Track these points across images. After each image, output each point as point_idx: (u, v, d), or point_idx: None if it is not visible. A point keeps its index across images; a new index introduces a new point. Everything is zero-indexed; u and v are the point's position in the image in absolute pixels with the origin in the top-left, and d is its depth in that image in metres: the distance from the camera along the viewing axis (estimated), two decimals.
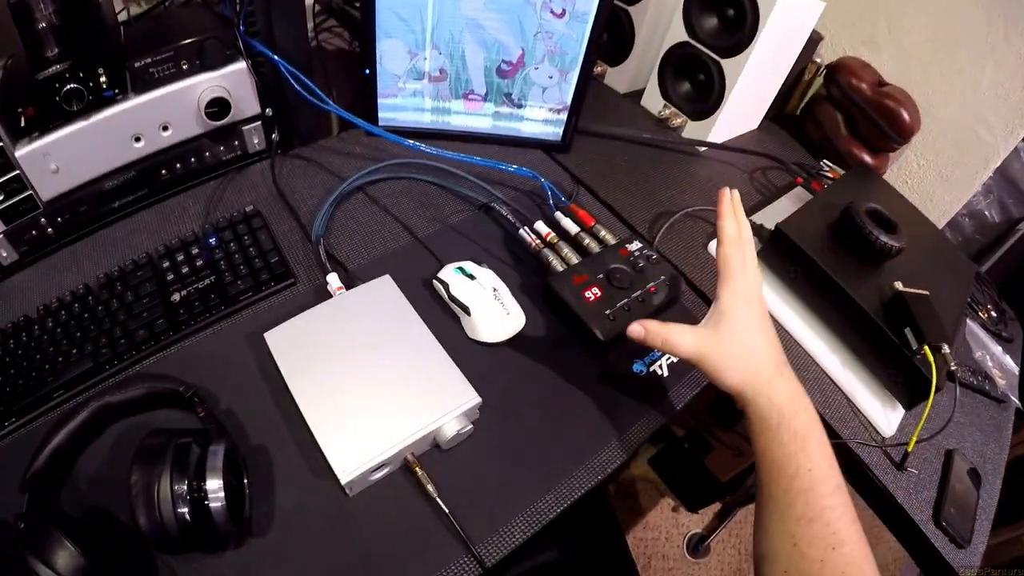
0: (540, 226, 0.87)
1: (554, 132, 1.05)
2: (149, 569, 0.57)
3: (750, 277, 0.65)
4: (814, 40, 1.20)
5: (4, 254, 0.84)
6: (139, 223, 0.90)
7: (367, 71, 0.96)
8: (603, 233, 0.86)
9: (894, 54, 1.23)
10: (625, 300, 0.76)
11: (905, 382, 0.80)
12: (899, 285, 0.81)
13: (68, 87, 0.79)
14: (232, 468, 0.57)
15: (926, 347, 0.75)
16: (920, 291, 0.81)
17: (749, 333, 0.64)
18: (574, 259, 0.82)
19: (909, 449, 0.78)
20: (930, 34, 1.17)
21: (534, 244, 0.84)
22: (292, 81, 0.88)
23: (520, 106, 1.01)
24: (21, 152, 0.79)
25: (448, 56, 0.95)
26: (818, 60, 1.28)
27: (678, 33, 1.11)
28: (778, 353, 0.64)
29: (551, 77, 0.97)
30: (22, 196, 0.82)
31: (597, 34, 0.92)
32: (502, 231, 0.90)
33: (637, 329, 0.65)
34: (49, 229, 0.87)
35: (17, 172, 0.80)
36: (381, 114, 1.01)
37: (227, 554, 0.58)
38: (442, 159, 0.93)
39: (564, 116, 1.02)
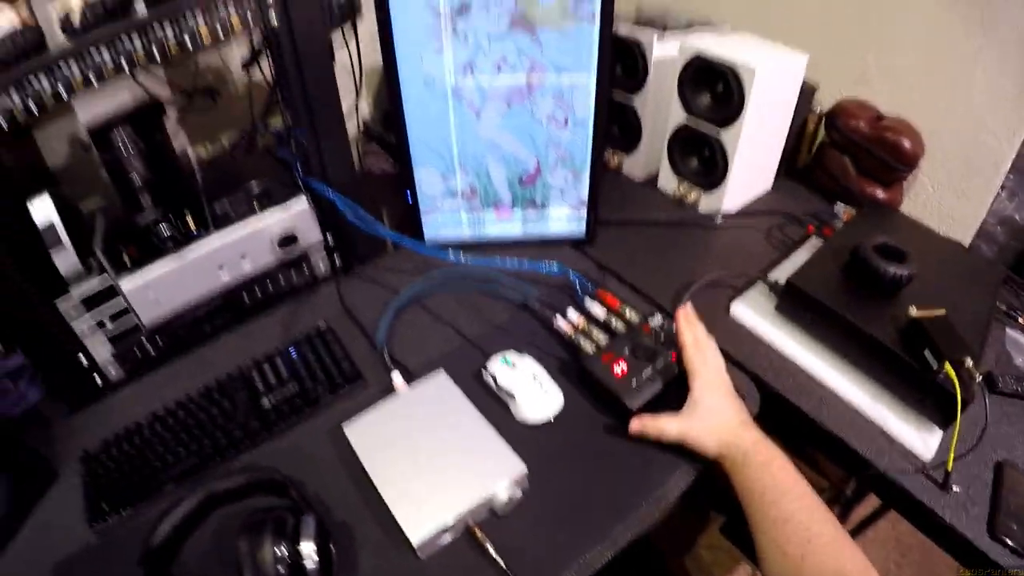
0: (572, 314, 1.01)
1: (578, 228, 1.21)
2: None
3: (711, 369, 0.86)
4: (809, 91, 1.31)
5: (113, 372, 1.05)
6: (227, 343, 1.10)
7: (409, 195, 1.16)
8: (628, 313, 1.00)
9: (887, 86, 1.32)
10: (649, 370, 0.89)
11: (934, 403, 0.85)
12: (913, 310, 0.87)
13: (162, 230, 1.01)
14: (321, 536, 0.70)
15: (947, 364, 0.80)
16: (936, 311, 0.87)
17: (717, 411, 0.83)
18: (603, 340, 0.95)
19: (948, 468, 0.82)
20: (915, 58, 1.26)
21: (567, 332, 0.98)
22: (347, 213, 1.07)
23: (544, 208, 1.18)
24: (126, 286, 0.99)
25: (475, 175, 1.14)
26: (817, 109, 1.38)
27: (678, 114, 1.26)
28: (741, 416, 0.83)
29: (566, 179, 1.14)
30: (128, 322, 1.03)
31: (599, 135, 1.09)
32: (539, 323, 1.05)
33: (636, 426, 0.85)
34: (152, 351, 1.07)
35: (124, 303, 1.01)
36: (426, 231, 1.20)
37: None
38: (481, 267, 1.10)
39: (584, 212, 1.18)
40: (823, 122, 1.38)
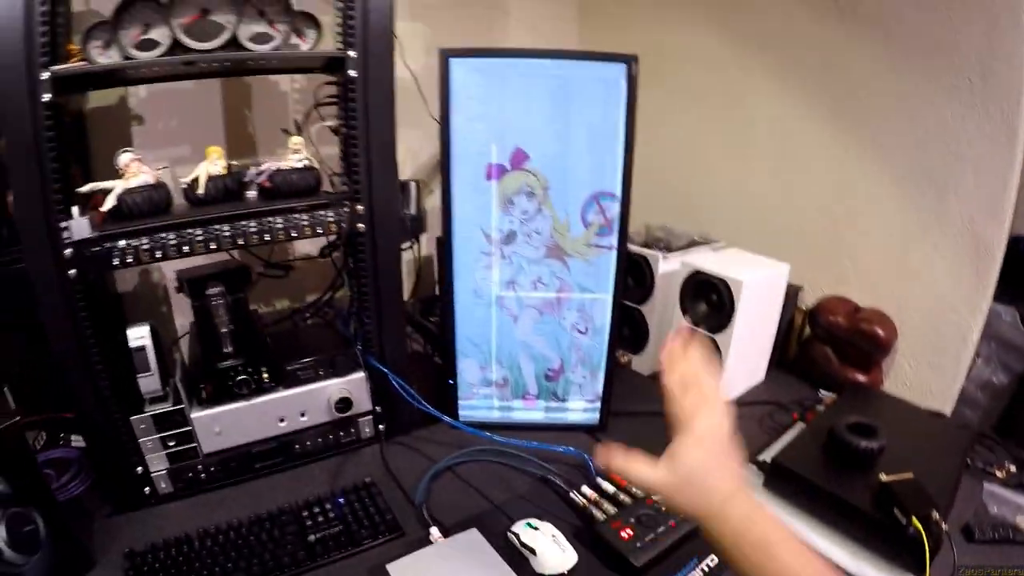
0: (586, 490, 1.21)
1: (592, 417, 1.44)
2: None
3: (701, 418, 0.79)
4: (794, 292, 1.58)
5: (163, 486, 1.24)
6: (276, 482, 1.31)
7: (452, 381, 1.41)
8: (634, 489, 1.20)
9: (861, 281, 1.58)
10: (652, 534, 1.08)
11: (907, 554, 0.98)
12: (883, 476, 1.04)
13: (241, 377, 1.24)
14: None
15: (914, 519, 0.95)
16: (904, 475, 1.04)
17: (697, 474, 0.75)
18: (612, 511, 1.15)
19: None
20: (883, 255, 1.53)
21: (581, 503, 1.18)
22: (400, 390, 1.32)
23: (564, 400, 1.43)
24: (196, 415, 1.22)
25: (508, 369, 1.40)
26: (803, 307, 1.64)
27: (679, 320, 1.53)
28: (730, 484, 0.74)
29: (584, 377, 1.40)
30: (189, 446, 1.24)
31: (613, 342, 1.36)
32: (557, 495, 1.24)
33: (602, 453, 0.81)
34: (203, 474, 1.27)
35: (190, 429, 1.22)
36: (461, 412, 1.44)
37: None
38: (509, 445, 1.32)
39: (598, 404, 1.43)
40: (807, 318, 1.64)
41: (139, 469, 1.23)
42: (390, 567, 1.04)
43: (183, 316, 1.63)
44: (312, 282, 1.74)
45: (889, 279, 1.55)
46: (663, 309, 1.60)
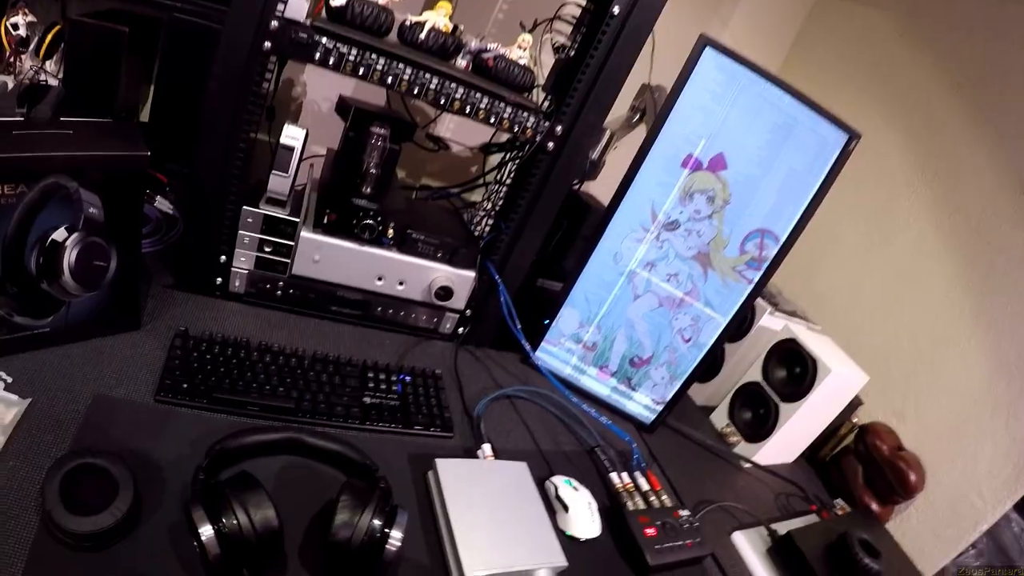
0: (624, 476, 1.26)
1: (648, 416, 1.50)
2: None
3: None
4: (854, 404, 1.63)
5: (237, 284, 1.26)
6: (344, 331, 1.35)
7: (547, 321, 1.45)
8: (664, 497, 1.24)
9: (915, 425, 1.63)
10: (671, 544, 1.13)
11: None
12: None
13: (368, 221, 1.25)
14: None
15: None
16: None
17: None
18: (642, 506, 1.21)
19: None
20: (946, 414, 1.58)
21: (618, 486, 1.24)
22: (504, 305, 1.35)
23: (634, 390, 1.48)
24: (306, 235, 1.24)
25: (603, 337, 1.44)
26: (855, 420, 1.70)
27: (755, 374, 1.58)
28: None
29: (663, 378, 1.44)
30: (281, 259, 1.26)
31: (705, 362, 1.41)
32: (596, 469, 1.29)
33: None
34: (279, 292, 1.29)
35: (293, 243, 1.24)
36: (539, 353, 1.48)
37: None
38: (572, 403, 1.36)
39: (660, 408, 1.48)
40: (854, 432, 1.70)
41: (223, 258, 1.24)
42: (439, 462, 1.07)
43: (312, 139, 1.64)
44: (450, 169, 1.75)
45: (939, 438, 1.60)
46: (745, 356, 1.64)
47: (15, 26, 1.37)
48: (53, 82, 1.41)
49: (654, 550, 1.12)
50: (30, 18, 1.39)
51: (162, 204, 1.46)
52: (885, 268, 1.81)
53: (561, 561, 1.00)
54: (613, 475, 1.27)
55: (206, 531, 0.75)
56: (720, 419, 1.66)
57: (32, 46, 1.42)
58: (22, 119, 0.94)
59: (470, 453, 1.18)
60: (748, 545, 1.29)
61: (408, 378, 1.26)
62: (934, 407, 1.63)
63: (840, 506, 1.55)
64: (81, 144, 0.89)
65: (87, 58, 1.29)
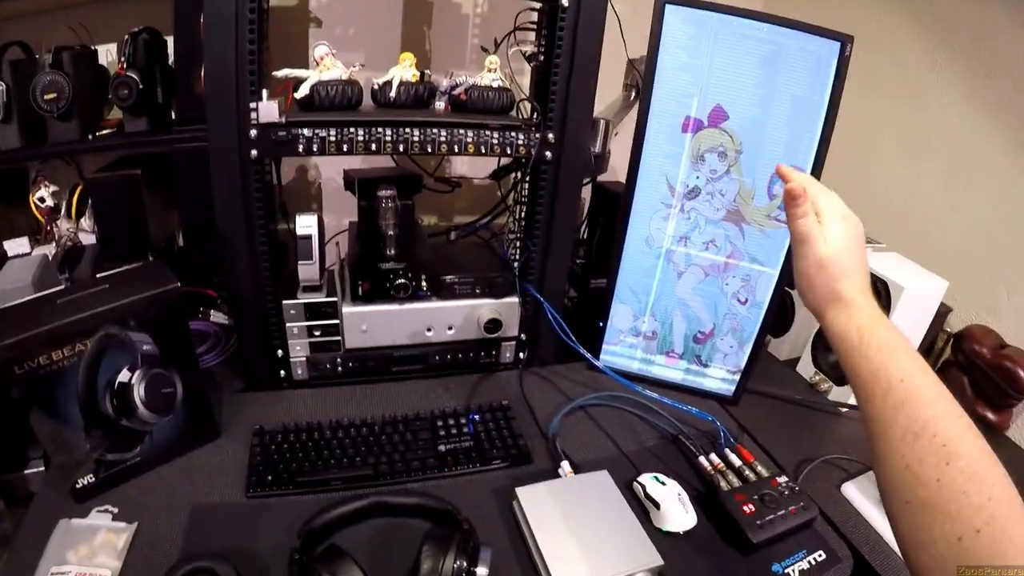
0: (713, 457, 1.23)
1: (728, 388, 1.46)
2: None
3: (844, 210, 0.80)
4: (943, 313, 1.53)
5: (300, 372, 1.33)
6: (409, 388, 1.38)
7: (601, 323, 1.44)
8: (759, 468, 1.21)
9: (1013, 318, 1.51)
10: (772, 515, 1.09)
11: None
12: None
13: (400, 280, 1.29)
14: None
15: None
16: None
17: (843, 251, 0.77)
18: (737, 483, 1.17)
19: None
20: None
21: (708, 469, 1.21)
22: (552, 321, 1.35)
23: (706, 366, 1.45)
24: (348, 310, 1.30)
25: (661, 323, 1.42)
26: (948, 329, 1.59)
27: None
28: (864, 277, 0.76)
29: (732, 347, 1.40)
30: (333, 338, 1.32)
31: (770, 317, 1.36)
32: (684, 456, 1.27)
33: (789, 171, 0.82)
34: (340, 368, 1.35)
35: (338, 321, 1.30)
36: (603, 356, 1.48)
37: None
38: (645, 397, 1.34)
39: (738, 377, 1.44)
40: (950, 342, 1.59)
41: (280, 352, 1.32)
42: (519, 491, 1.08)
43: (333, 215, 1.73)
44: (471, 203, 1.78)
45: None
46: None
47: (42, 200, 1.48)
48: (90, 238, 1.51)
49: (755, 526, 1.08)
50: (52, 188, 1.50)
51: (217, 317, 1.55)
52: (935, 163, 1.69)
53: (655, 560, 0.99)
54: (701, 459, 1.24)
55: None
56: (806, 369, 1.59)
57: (63, 211, 1.53)
58: (65, 285, 1.10)
59: (551, 474, 1.18)
60: (860, 494, 1.23)
61: (477, 416, 1.28)
62: None
63: None
64: (118, 294, 0.99)
65: (112, 208, 1.42)
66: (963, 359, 1.53)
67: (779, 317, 1.64)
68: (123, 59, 1.41)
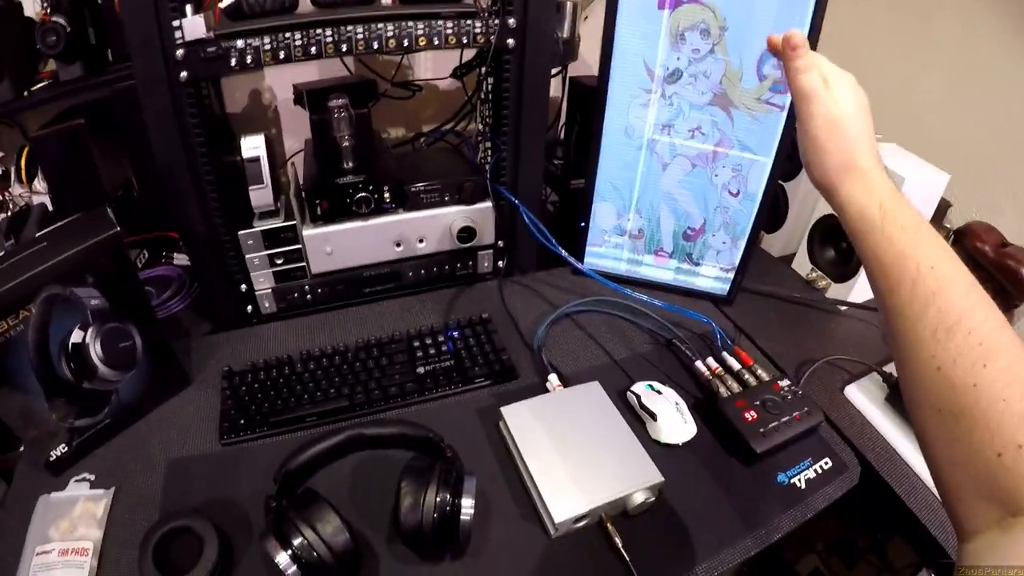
0: (710, 361, 1.16)
1: (722, 288, 1.37)
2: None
3: (848, 75, 0.68)
4: (943, 208, 1.44)
5: (267, 305, 1.25)
6: (384, 309, 1.30)
7: (583, 223, 1.34)
8: (759, 371, 1.14)
9: (1017, 216, 1.44)
10: (776, 423, 1.03)
11: None
12: None
13: (361, 194, 1.19)
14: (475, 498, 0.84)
15: None
16: None
17: (852, 114, 0.65)
18: (736, 389, 1.10)
19: None
20: None
21: (706, 374, 1.14)
22: (530, 224, 1.25)
23: (698, 264, 1.36)
24: (308, 232, 1.20)
25: (647, 220, 1.32)
26: (948, 225, 1.50)
27: (825, 207, 1.41)
28: (877, 152, 0.65)
29: (724, 243, 1.31)
30: (297, 264, 1.23)
31: (764, 210, 1.26)
32: (679, 362, 1.20)
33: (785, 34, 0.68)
34: (309, 296, 1.27)
35: (300, 246, 1.21)
36: (587, 259, 1.38)
37: (443, 564, 0.84)
38: (634, 300, 1.26)
39: (732, 275, 1.35)
40: (950, 239, 1.50)
41: (243, 287, 1.23)
42: (504, 410, 1.02)
43: (294, 137, 1.61)
44: (436, 110, 1.65)
45: None
46: (809, 189, 1.45)
47: None
48: (46, 199, 1.41)
49: (758, 435, 1.02)
50: None
51: (180, 259, 1.46)
52: (935, 52, 1.56)
53: (655, 477, 0.93)
54: (698, 363, 1.17)
55: (282, 560, 0.75)
56: (803, 266, 1.51)
57: (12, 176, 1.44)
58: (4, 251, 0.96)
59: (539, 389, 1.11)
60: (864, 397, 1.16)
61: (456, 332, 1.20)
62: None
63: None
64: (57, 251, 0.90)
65: (60, 164, 1.32)
66: (964, 256, 1.42)
67: (771, 210, 1.55)
68: (45, 5, 1.27)
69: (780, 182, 1.51)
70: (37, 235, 0.96)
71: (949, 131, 1.54)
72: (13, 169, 1.44)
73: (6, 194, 1.46)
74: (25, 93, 1.32)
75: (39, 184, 1.45)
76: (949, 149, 1.45)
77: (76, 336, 0.92)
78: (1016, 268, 1.36)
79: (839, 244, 1.43)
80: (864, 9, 1.67)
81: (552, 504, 0.88)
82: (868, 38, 1.68)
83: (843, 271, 1.41)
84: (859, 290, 1.40)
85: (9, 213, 1.43)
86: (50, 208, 1.35)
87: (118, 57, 1.34)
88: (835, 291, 1.44)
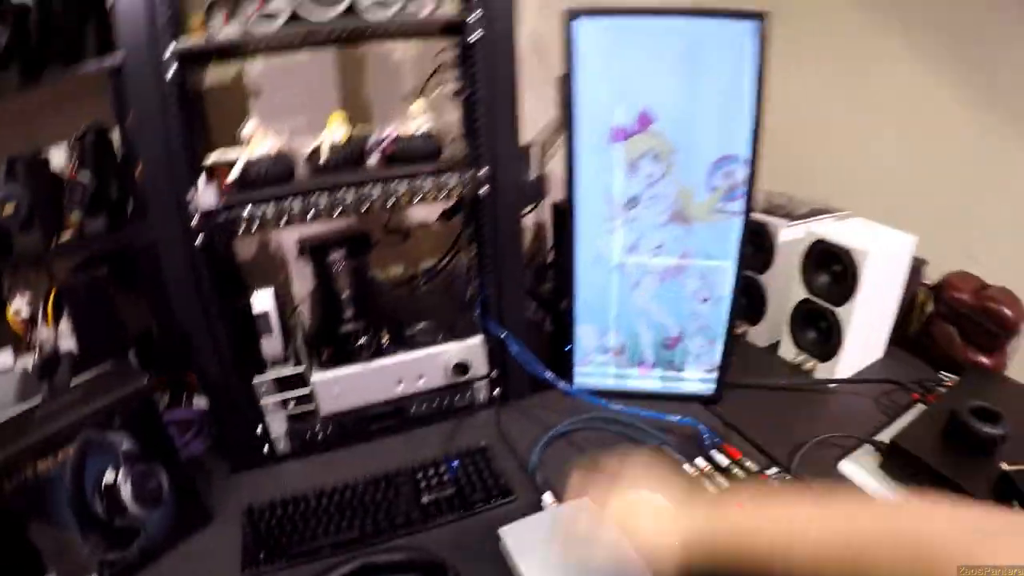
0: (699, 461, 1.21)
1: (708, 388, 1.44)
2: None
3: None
4: (918, 266, 1.50)
5: (282, 446, 1.33)
6: (389, 444, 1.37)
7: (568, 347, 1.43)
8: (748, 463, 1.19)
9: (992, 259, 1.47)
10: None
11: None
12: (1004, 466, 1.02)
13: (361, 340, 1.30)
14: None
15: None
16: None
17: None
18: (725, 484, 1.15)
19: None
20: (1018, 231, 1.43)
21: (694, 475, 1.19)
22: (518, 354, 1.34)
23: (681, 370, 1.43)
24: (316, 378, 1.29)
25: (626, 336, 1.41)
26: (927, 282, 1.55)
27: (799, 291, 1.48)
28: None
29: (703, 346, 1.39)
30: (308, 408, 1.31)
31: (733, 311, 1.34)
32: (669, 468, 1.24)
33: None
34: (320, 435, 1.34)
35: (310, 390, 1.30)
36: (576, 379, 1.46)
37: None
38: (622, 413, 1.32)
39: (715, 375, 1.42)
40: (931, 294, 1.55)
41: (259, 429, 1.31)
42: (502, 531, 1.07)
43: (302, 282, 1.73)
44: (430, 248, 1.79)
45: (1020, 259, 1.45)
46: (783, 279, 1.55)
47: (18, 312, 1.48)
48: (71, 340, 1.50)
49: None
50: (27, 297, 1.49)
51: (200, 402, 1.52)
52: (883, 117, 1.66)
53: None
54: (685, 466, 1.22)
55: None
56: (788, 351, 1.57)
57: (39, 319, 1.52)
58: (43, 397, 1.16)
59: (536, 508, 1.16)
60: (858, 469, 1.20)
61: (456, 463, 1.27)
62: (1001, 229, 1.47)
63: (948, 380, 1.42)
64: (90, 400, 1.03)
65: (85, 310, 1.41)
66: (945, 309, 1.50)
67: (752, 301, 1.63)
68: (73, 162, 1.41)
69: (754, 275, 1.60)
70: (72, 385, 1.11)
71: (912, 192, 1.61)
72: (40, 312, 1.55)
73: (34, 336, 1.55)
74: (54, 244, 1.41)
75: (64, 326, 1.55)
76: (915, 209, 1.52)
77: (108, 477, 1.02)
78: (997, 308, 1.39)
79: (818, 324, 1.49)
80: (817, 95, 1.79)
81: None
82: (824, 121, 1.80)
83: (827, 349, 1.46)
84: (844, 364, 1.45)
85: (36, 355, 1.51)
86: (75, 351, 1.45)
87: (139, 211, 1.43)
88: (823, 370, 1.49)
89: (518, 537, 1.06)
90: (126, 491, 1.04)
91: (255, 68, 1.57)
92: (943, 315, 1.51)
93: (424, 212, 1.71)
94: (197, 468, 1.32)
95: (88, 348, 1.46)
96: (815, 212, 1.59)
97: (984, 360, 1.46)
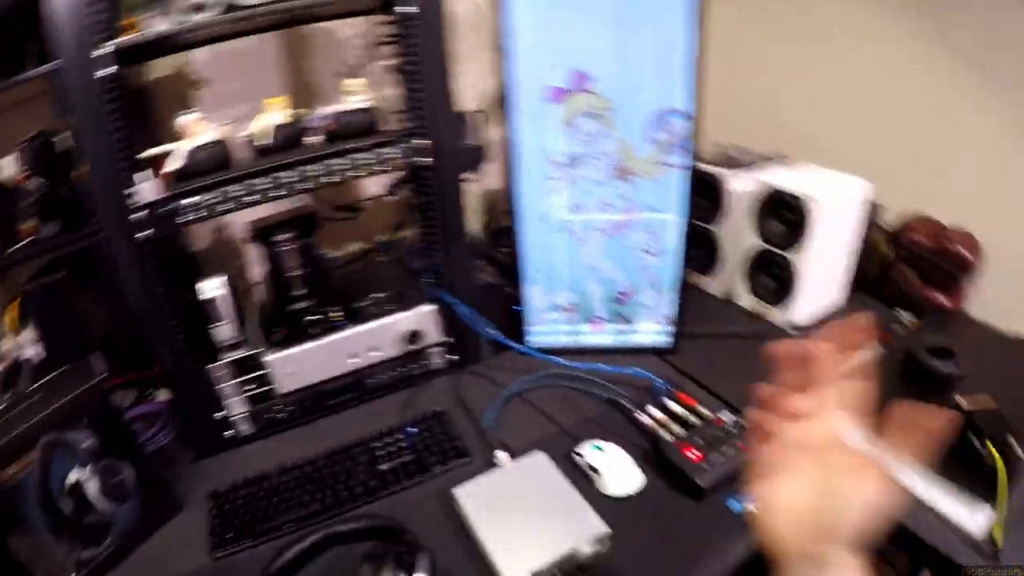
0: (653, 411, 1.23)
1: (664, 339, 1.45)
2: None
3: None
4: (874, 210, 1.51)
5: (245, 428, 1.33)
6: (349, 417, 1.38)
7: (517, 308, 1.44)
8: (701, 410, 1.21)
9: (949, 201, 1.47)
10: (720, 457, 1.09)
11: (983, 483, 0.96)
12: (961, 402, 1.04)
13: (311, 317, 1.31)
14: (432, 571, 0.89)
15: (991, 447, 0.96)
16: (983, 402, 1.03)
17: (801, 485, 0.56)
18: (681, 432, 1.16)
19: (995, 536, 0.91)
20: (975, 174, 1.43)
21: (649, 424, 1.21)
22: (467, 320, 1.36)
23: (630, 322, 1.44)
24: (270, 358, 1.29)
25: (576, 293, 1.42)
26: (887, 228, 1.57)
27: (752, 239, 1.50)
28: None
29: (653, 299, 1.40)
30: (266, 388, 1.32)
31: (682, 262, 1.35)
32: (624, 418, 1.26)
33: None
34: (280, 414, 1.35)
35: (266, 371, 1.30)
36: (530, 338, 1.48)
37: None
38: (576, 369, 1.35)
39: (669, 326, 1.43)
40: (890, 238, 1.57)
41: (219, 414, 1.32)
42: (456, 491, 1.09)
43: (258, 266, 1.70)
44: (381, 222, 1.78)
45: (978, 201, 1.45)
46: (736, 229, 1.56)
47: None
48: (34, 348, 1.51)
49: (701, 470, 1.09)
50: None
51: (163, 395, 1.53)
52: (836, 64, 1.65)
53: (599, 528, 0.99)
54: (638, 415, 1.24)
55: None
56: (744, 299, 1.59)
57: (5, 327, 1.52)
58: (6, 403, 1.08)
59: (491, 466, 1.18)
60: None
61: (413, 429, 1.29)
62: (959, 172, 1.47)
63: (906, 320, 1.45)
64: (48, 402, 1.02)
65: (48, 314, 1.41)
66: (904, 252, 1.52)
67: (707, 251, 1.64)
68: (22, 169, 1.42)
69: (706, 226, 1.60)
70: (29, 389, 1.08)
71: (865, 137, 1.61)
72: (6, 321, 1.56)
73: None
74: (7, 251, 1.40)
75: (29, 333, 1.56)
76: (871, 155, 1.54)
77: (73, 476, 1.02)
78: (955, 250, 1.42)
79: (773, 271, 1.50)
80: (763, 42, 1.78)
81: (505, 569, 0.94)
82: (773, 68, 1.79)
83: (784, 294, 1.48)
84: (803, 310, 1.47)
85: (6, 364, 1.52)
86: (43, 355, 1.44)
87: (89, 210, 1.40)
88: (781, 316, 1.50)
89: (471, 495, 1.08)
90: (92, 488, 1.04)
91: (199, 59, 1.56)
92: (902, 258, 1.53)
93: (375, 187, 1.72)
94: (165, 459, 1.33)
95: (52, 352, 1.48)
96: (766, 161, 1.59)
97: (943, 299, 1.48)
